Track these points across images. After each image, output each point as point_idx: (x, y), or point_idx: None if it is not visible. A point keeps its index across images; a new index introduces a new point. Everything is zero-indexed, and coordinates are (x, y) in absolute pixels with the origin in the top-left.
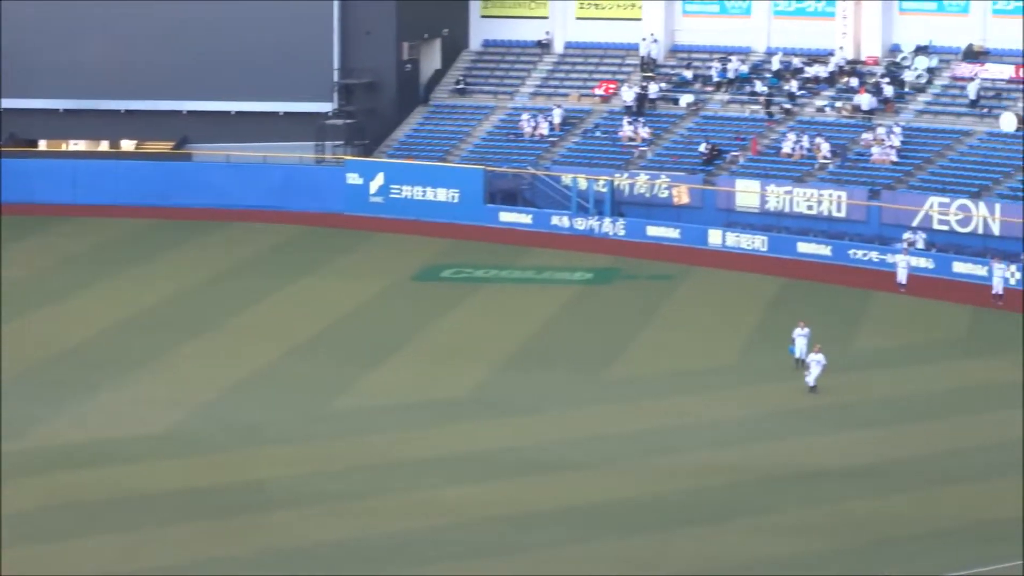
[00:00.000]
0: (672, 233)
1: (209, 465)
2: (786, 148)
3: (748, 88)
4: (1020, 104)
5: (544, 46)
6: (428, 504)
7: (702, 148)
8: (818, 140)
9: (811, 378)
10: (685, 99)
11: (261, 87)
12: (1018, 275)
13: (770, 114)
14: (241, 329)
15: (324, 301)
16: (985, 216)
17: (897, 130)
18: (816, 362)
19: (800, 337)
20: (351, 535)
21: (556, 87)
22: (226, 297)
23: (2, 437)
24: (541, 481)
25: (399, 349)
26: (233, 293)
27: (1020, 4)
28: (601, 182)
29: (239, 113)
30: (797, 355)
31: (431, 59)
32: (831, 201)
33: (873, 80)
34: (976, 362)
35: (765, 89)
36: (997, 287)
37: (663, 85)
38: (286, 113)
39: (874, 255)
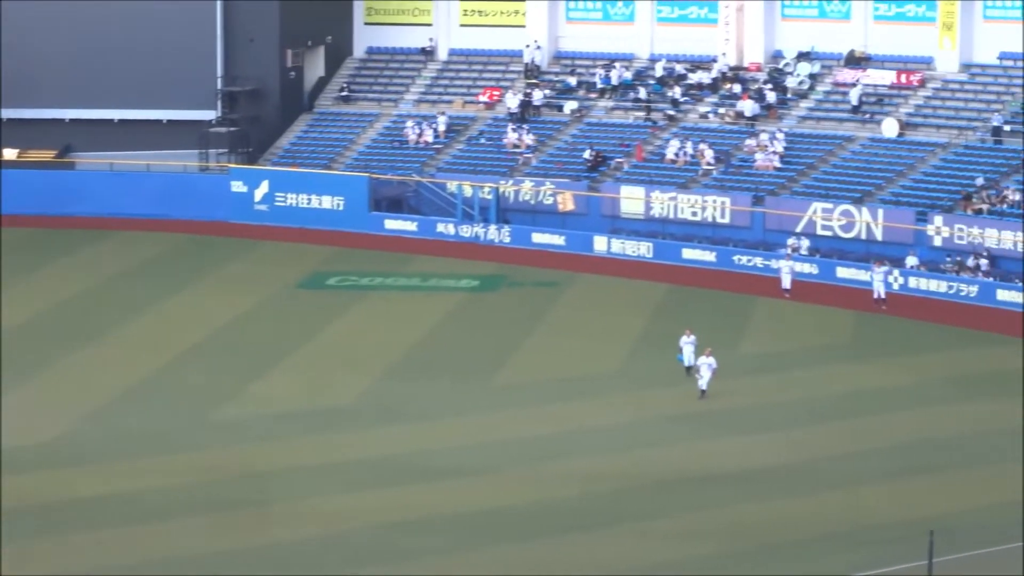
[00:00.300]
0: (557, 240)
1: (94, 475)
2: (670, 154)
3: (632, 95)
4: (902, 110)
5: (428, 53)
6: (316, 512)
7: (587, 155)
8: (702, 146)
9: (703, 382)
10: (569, 106)
11: (144, 95)
12: (901, 279)
13: (653, 121)
14: (127, 338)
15: (210, 309)
16: (868, 221)
17: (780, 136)
18: (707, 366)
19: (687, 345)
20: (239, 545)
21: (440, 94)
22: (111, 306)
23: None
24: (429, 488)
25: (285, 357)
26: (118, 302)
27: (901, 11)
28: (486, 189)
29: (122, 121)
30: (686, 363)
31: (315, 66)
32: (715, 207)
33: (756, 86)
34: (861, 366)
35: (649, 96)
36: (879, 291)
37: (547, 92)
38: (170, 121)
39: (758, 261)
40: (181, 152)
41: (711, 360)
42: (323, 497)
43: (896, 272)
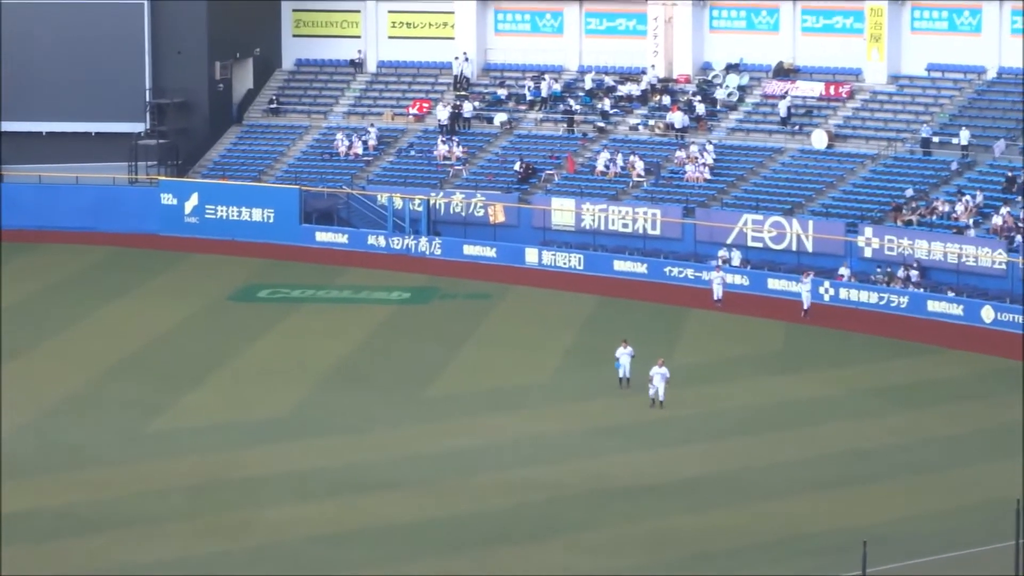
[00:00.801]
0: (488, 252)
1: (25, 488)
2: (600, 166)
3: (561, 106)
4: (831, 121)
5: (357, 65)
6: (246, 524)
7: (517, 167)
8: (632, 158)
9: (660, 392)
10: (499, 118)
11: (72, 107)
12: (832, 290)
13: (583, 133)
14: (56, 351)
15: (140, 322)
16: (798, 233)
17: (710, 148)
18: (660, 376)
19: (624, 355)
20: (170, 557)
21: (370, 106)
22: (40, 319)
23: None
24: (360, 500)
25: (216, 370)
26: (47, 315)
27: (829, 22)
28: (417, 201)
29: (50, 133)
30: (621, 374)
31: (243, 78)
32: (646, 219)
33: (685, 98)
34: (792, 377)
35: (578, 107)
36: (806, 301)
37: (477, 104)
38: (98, 133)
39: (689, 272)
40: (110, 164)
41: (664, 370)
42: (255, 509)
43: (827, 283)
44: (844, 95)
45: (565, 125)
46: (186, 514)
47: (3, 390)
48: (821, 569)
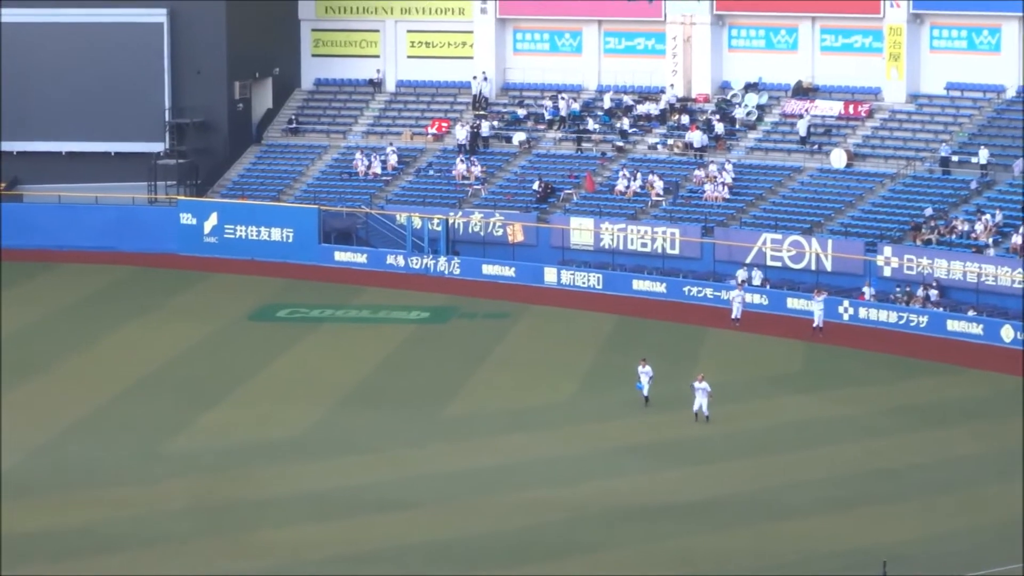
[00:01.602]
0: (507, 271)
1: (45, 507)
2: (619, 186)
3: (580, 126)
4: (850, 140)
5: (376, 84)
6: (266, 544)
7: (536, 186)
8: (651, 177)
9: (704, 407)
10: (518, 137)
11: (92, 127)
12: (851, 309)
13: (602, 152)
14: (77, 370)
15: (159, 342)
16: (818, 252)
17: (729, 167)
18: (702, 391)
19: (644, 375)
20: None
21: (389, 126)
22: (61, 338)
23: None
24: (379, 520)
25: (236, 389)
26: (67, 334)
27: (848, 41)
28: (436, 221)
29: (70, 153)
30: (645, 392)
31: (263, 98)
32: (665, 238)
33: (704, 117)
34: (811, 397)
35: (597, 127)
36: (818, 320)
37: (495, 123)
38: (117, 153)
39: (708, 292)
40: (130, 184)
41: (704, 384)
42: (274, 529)
43: (846, 302)
44: (863, 114)
45: (586, 144)
46: (205, 533)
47: (24, 409)
48: None
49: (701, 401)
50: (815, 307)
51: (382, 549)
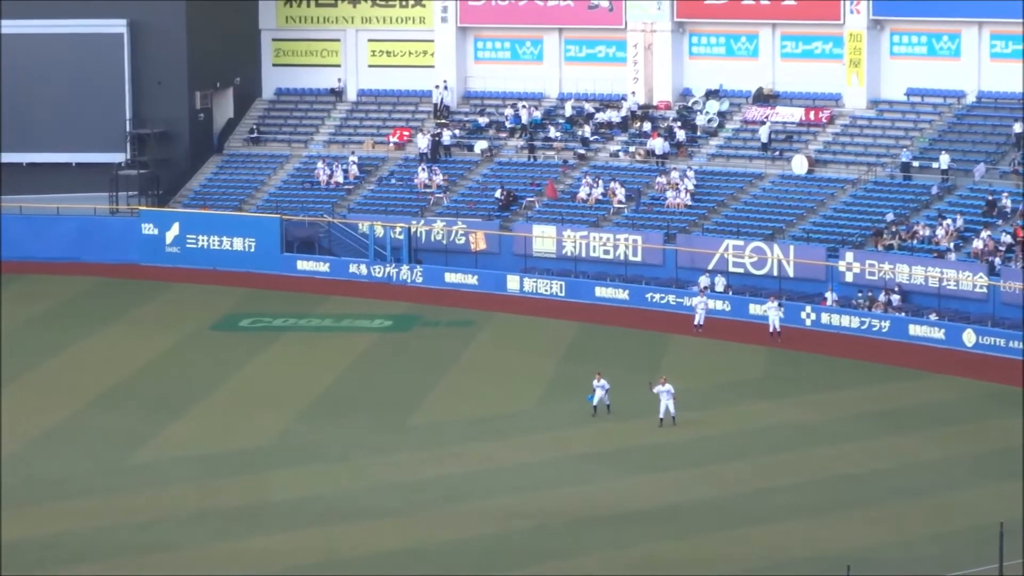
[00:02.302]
0: (470, 279)
1: (10, 519)
2: (581, 193)
3: (542, 134)
4: (811, 146)
5: (337, 94)
6: (233, 554)
7: (498, 194)
8: (613, 185)
9: (671, 408)
10: (479, 145)
11: (53, 138)
12: (813, 315)
13: (564, 160)
14: (39, 382)
15: (122, 353)
16: (779, 258)
17: (690, 174)
18: (666, 392)
19: (599, 388)
20: None
21: (350, 135)
22: (22, 350)
23: None
24: (346, 529)
25: (200, 399)
26: (29, 346)
27: (808, 48)
28: (398, 229)
29: (31, 164)
30: (595, 403)
31: (224, 108)
32: (627, 245)
33: (665, 124)
34: (774, 402)
35: (559, 135)
36: (774, 324)
37: (457, 131)
38: (79, 164)
39: (671, 298)
40: (91, 195)
41: (668, 387)
42: (239, 540)
43: (808, 308)
44: (824, 120)
45: (548, 152)
46: (171, 545)
47: None
48: None
49: (666, 403)
50: (770, 313)
51: (348, 558)
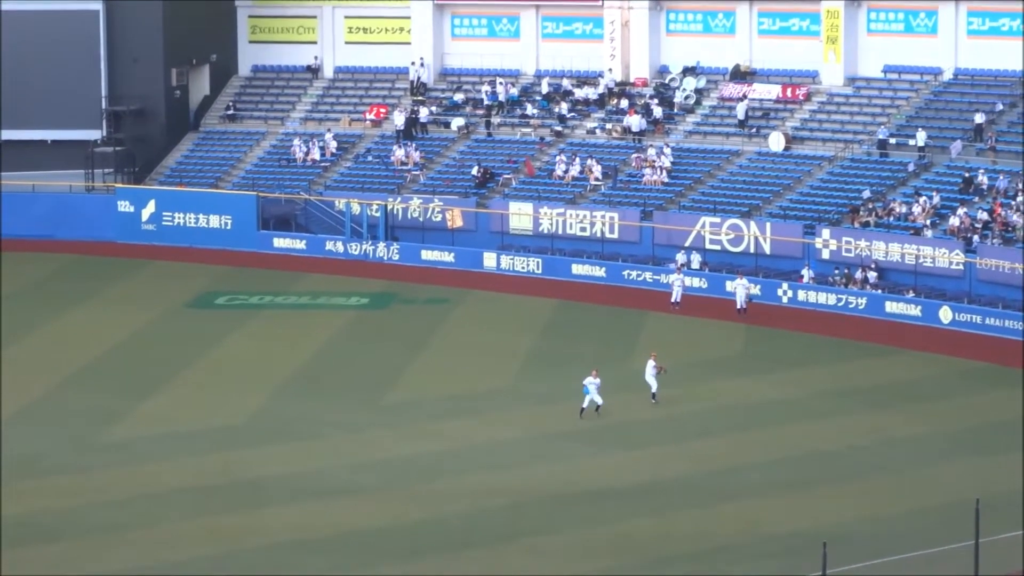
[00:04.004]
0: (447, 257)
1: None
2: (558, 170)
3: (519, 111)
4: (788, 123)
5: (314, 71)
6: (207, 532)
7: (474, 171)
8: (590, 162)
9: (598, 399)
10: (456, 122)
11: (29, 115)
12: (791, 292)
13: (541, 137)
14: (14, 360)
15: (98, 330)
16: (756, 235)
17: (667, 151)
18: (594, 385)
19: (592, 385)
20: (130, 565)
21: (327, 112)
22: None
23: None
24: (320, 507)
25: (175, 377)
26: (5, 323)
27: (785, 25)
28: (374, 206)
29: (7, 142)
30: (585, 403)
31: (200, 85)
32: (604, 222)
33: (642, 101)
34: (751, 379)
35: (536, 112)
36: (741, 301)
37: (434, 109)
38: (55, 141)
39: (648, 275)
40: (67, 172)
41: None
42: (214, 516)
43: (785, 285)
44: (801, 97)
45: (524, 130)
46: (146, 522)
47: None
48: (783, 570)
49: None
50: (739, 290)
51: (325, 536)
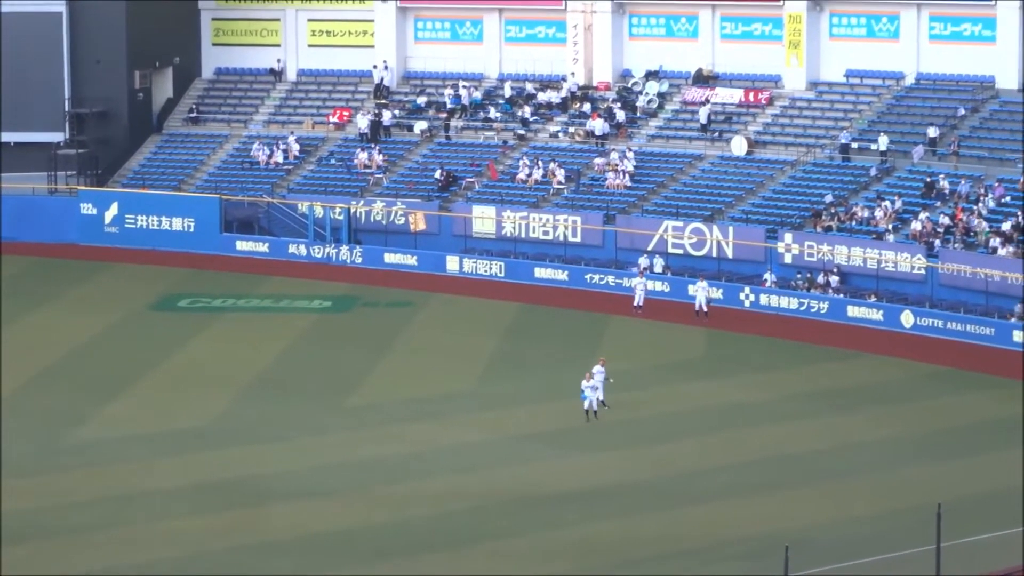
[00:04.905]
0: (410, 260)
1: None
2: (521, 174)
3: (482, 114)
4: (750, 128)
5: (277, 73)
6: (171, 534)
7: (437, 175)
8: (552, 166)
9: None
10: (419, 126)
11: None
12: (752, 296)
13: (504, 140)
14: None
15: (60, 332)
16: (719, 239)
17: (630, 155)
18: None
19: (588, 388)
20: (96, 567)
21: (290, 114)
22: None
23: None
24: (283, 509)
25: (138, 379)
26: None
27: (748, 29)
28: (337, 210)
29: None
30: (587, 406)
31: (163, 87)
32: (567, 226)
33: (605, 105)
34: (714, 383)
35: (499, 115)
36: (700, 304)
37: (397, 112)
38: (17, 143)
39: (610, 279)
40: (29, 175)
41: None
42: (177, 519)
43: (747, 289)
44: (763, 101)
45: (487, 133)
46: (109, 525)
47: None
48: (747, 572)
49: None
50: (699, 293)
51: (287, 538)
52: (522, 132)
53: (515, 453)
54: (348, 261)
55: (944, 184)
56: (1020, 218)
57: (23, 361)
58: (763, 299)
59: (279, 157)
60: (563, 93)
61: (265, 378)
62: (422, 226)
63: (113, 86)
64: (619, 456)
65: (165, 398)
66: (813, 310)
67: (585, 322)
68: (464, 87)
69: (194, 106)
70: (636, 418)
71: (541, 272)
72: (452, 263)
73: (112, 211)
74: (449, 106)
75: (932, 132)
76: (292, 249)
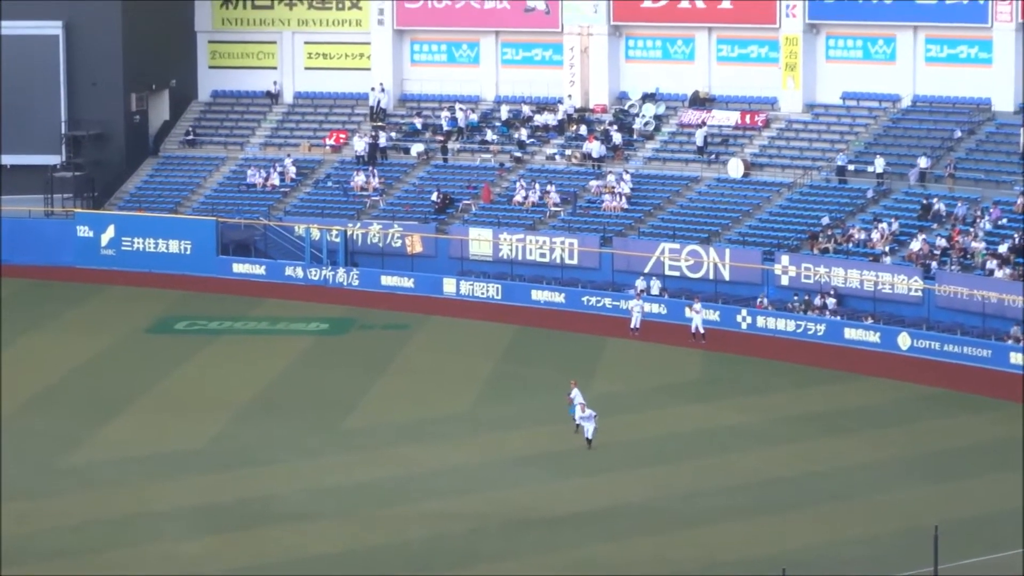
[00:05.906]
0: (406, 282)
1: None
2: (518, 196)
3: (479, 137)
4: (747, 150)
5: (273, 96)
6: (167, 558)
7: (434, 197)
8: (549, 188)
9: (577, 417)
10: (416, 148)
11: None
12: (749, 318)
13: (500, 163)
14: None
15: (57, 355)
16: (715, 261)
17: (627, 177)
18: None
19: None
20: None
21: (287, 137)
22: None
23: None
24: (278, 532)
25: (134, 402)
26: None
27: (744, 52)
28: (334, 232)
29: None
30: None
31: (160, 110)
32: (563, 248)
33: (602, 128)
34: (710, 405)
35: (495, 138)
36: (696, 326)
37: (393, 134)
38: (14, 166)
39: (607, 301)
40: (26, 197)
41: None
42: (173, 542)
43: (744, 311)
44: (760, 124)
45: (484, 155)
46: (105, 547)
47: None
48: None
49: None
50: (694, 315)
51: (282, 561)
52: (519, 154)
53: (511, 475)
54: (345, 283)
55: (940, 206)
56: (1017, 240)
57: (19, 383)
58: (760, 321)
59: (276, 180)
60: (560, 115)
61: (262, 400)
62: (419, 248)
63: (110, 108)
64: (615, 478)
65: (161, 420)
66: (810, 332)
67: (582, 344)
68: (461, 109)
69: (191, 129)
70: (632, 440)
71: (538, 294)
72: (449, 285)
73: (108, 234)
74: (446, 128)
75: (923, 163)
76: (289, 271)
